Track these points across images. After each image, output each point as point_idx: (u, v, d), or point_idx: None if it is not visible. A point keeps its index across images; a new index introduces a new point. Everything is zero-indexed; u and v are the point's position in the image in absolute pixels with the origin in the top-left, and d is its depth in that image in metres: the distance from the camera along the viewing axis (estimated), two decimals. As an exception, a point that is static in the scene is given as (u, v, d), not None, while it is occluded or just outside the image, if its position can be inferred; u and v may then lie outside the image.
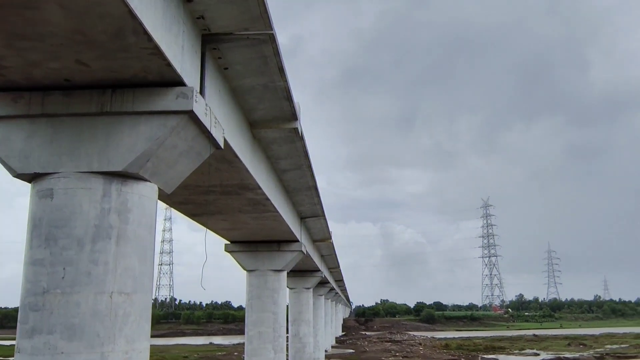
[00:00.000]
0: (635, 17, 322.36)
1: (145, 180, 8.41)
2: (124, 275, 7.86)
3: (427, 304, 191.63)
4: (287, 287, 40.80)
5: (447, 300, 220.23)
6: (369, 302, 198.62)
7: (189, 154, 9.08)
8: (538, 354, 60.78)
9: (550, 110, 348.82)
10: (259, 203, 16.99)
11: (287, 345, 40.44)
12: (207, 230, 13.52)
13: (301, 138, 14.86)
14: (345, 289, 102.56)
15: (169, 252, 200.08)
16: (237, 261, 24.99)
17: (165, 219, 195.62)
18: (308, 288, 40.93)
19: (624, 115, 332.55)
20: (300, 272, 39.74)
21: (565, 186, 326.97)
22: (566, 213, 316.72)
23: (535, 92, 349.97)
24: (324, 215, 26.70)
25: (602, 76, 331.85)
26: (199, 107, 8.37)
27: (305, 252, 26.57)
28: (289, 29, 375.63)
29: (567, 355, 57.43)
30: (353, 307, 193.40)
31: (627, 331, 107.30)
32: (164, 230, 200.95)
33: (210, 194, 15.70)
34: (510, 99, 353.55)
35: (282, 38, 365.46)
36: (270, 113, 12.97)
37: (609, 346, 71.12)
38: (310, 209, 24.75)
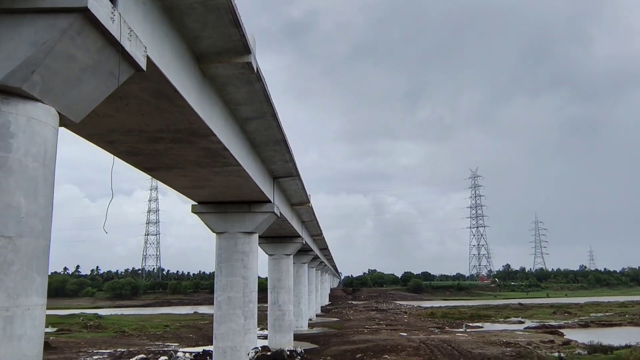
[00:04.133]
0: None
1: (35, 99, 6.79)
2: (3, 215, 6.31)
3: (415, 273, 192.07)
4: (266, 253, 39.69)
5: (436, 270, 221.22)
6: (359, 273, 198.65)
7: (97, 72, 7.45)
8: (523, 322, 60.30)
9: (553, 86, 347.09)
10: (217, 154, 15.41)
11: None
12: (114, 162, 11.78)
13: (259, 78, 13.24)
14: (331, 259, 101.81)
15: (156, 223, 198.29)
16: (205, 223, 23.51)
17: (151, 189, 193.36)
18: (288, 254, 39.66)
19: (625, 91, 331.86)
20: (279, 237, 38.43)
21: (559, 160, 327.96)
22: (557, 186, 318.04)
23: (538, 68, 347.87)
24: (298, 175, 25.19)
25: (605, 52, 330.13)
26: (100, 8, 6.71)
27: (278, 214, 25.12)
28: (304, 3, 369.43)
29: (552, 322, 56.97)
30: (342, 277, 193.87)
31: (612, 300, 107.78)
32: (150, 201, 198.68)
33: (160, 142, 14.08)
34: (514, 75, 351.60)
35: (297, 12, 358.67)
36: (218, 43, 11.31)
37: (593, 314, 70.91)
38: (282, 168, 23.22)
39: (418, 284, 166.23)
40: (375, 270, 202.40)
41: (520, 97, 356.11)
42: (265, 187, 22.46)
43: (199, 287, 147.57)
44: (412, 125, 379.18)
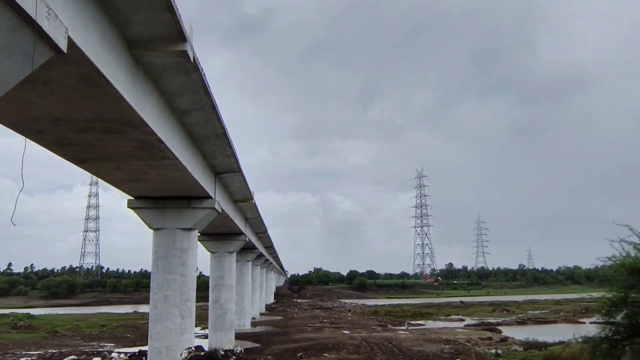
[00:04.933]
0: (586, 3, 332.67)
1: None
2: None
3: (360, 272, 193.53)
4: (208, 250, 38.91)
5: (382, 269, 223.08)
6: (306, 272, 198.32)
7: (11, 52, 6.87)
8: (463, 320, 61.55)
9: (501, 90, 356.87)
10: (152, 146, 14.82)
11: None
12: (25, 147, 11.13)
13: (196, 68, 12.77)
14: (277, 257, 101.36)
15: (95, 219, 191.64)
16: (141, 219, 22.72)
17: (91, 184, 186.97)
18: (231, 252, 38.98)
19: (569, 96, 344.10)
20: (221, 235, 37.71)
21: (504, 162, 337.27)
22: (500, 187, 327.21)
23: (487, 71, 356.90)
24: (240, 171, 24.68)
25: (551, 58, 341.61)
26: (10, -21, 6.18)
27: (220, 211, 24.57)
28: (260, 0, 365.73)
29: (491, 320, 58.33)
30: (288, 275, 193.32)
31: (548, 298, 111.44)
32: (89, 196, 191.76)
33: (90, 132, 13.40)
34: (464, 78, 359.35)
35: (252, 9, 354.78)
36: (151, 29, 10.80)
37: (530, 312, 73.14)
38: (224, 163, 22.69)
39: (363, 283, 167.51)
40: (321, 269, 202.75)
41: (469, 99, 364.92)
42: (206, 182, 21.90)
43: (140, 285, 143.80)
44: (363, 125, 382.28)
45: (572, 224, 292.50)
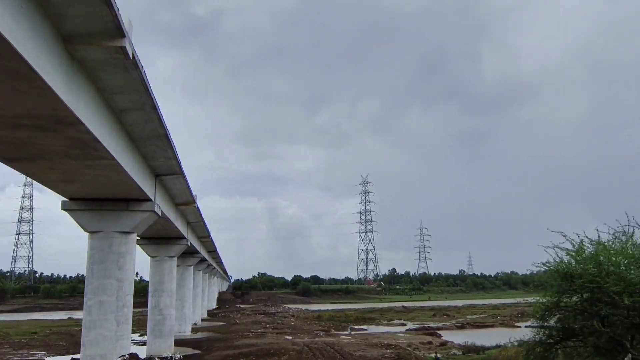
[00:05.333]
0: (526, 18, 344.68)
1: None
2: None
3: (305, 277, 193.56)
4: (148, 255, 37.95)
5: (326, 274, 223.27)
6: (250, 277, 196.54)
7: None
8: (405, 324, 62.33)
9: (445, 99, 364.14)
10: (88, 145, 14.27)
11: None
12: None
13: (136, 65, 12.37)
14: (220, 262, 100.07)
15: (29, 221, 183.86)
16: (76, 221, 21.86)
17: (25, 185, 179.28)
18: (171, 257, 38.14)
19: (508, 107, 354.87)
20: (162, 239, 36.86)
21: (447, 170, 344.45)
22: (443, 194, 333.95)
23: (432, 81, 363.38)
24: (182, 174, 24.17)
25: (492, 70, 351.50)
26: None
27: (160, 214, 23.96)
28: (210, 2, 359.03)
29: (432, 324, 59.31)
30: (232, 280, 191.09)
31: (487, 303, 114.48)
32: (23, 197, 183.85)
33: (21, 129, 12.77)
34: (409, 86, 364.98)
35: (202, 10, 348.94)
36: (88, 23, 10.38)
37: (469, 316, 74.88)
38: (165, 165, 22.15)
39: (307, 288, 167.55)
40: (265, 274, 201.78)
41: (414, 108, 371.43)
42: (145, 184, 21.31)
43: (76, 290, 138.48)
44: (310, 131, 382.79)
45: (510, 230, 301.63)
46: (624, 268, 14.63)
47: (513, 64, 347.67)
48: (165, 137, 18.06)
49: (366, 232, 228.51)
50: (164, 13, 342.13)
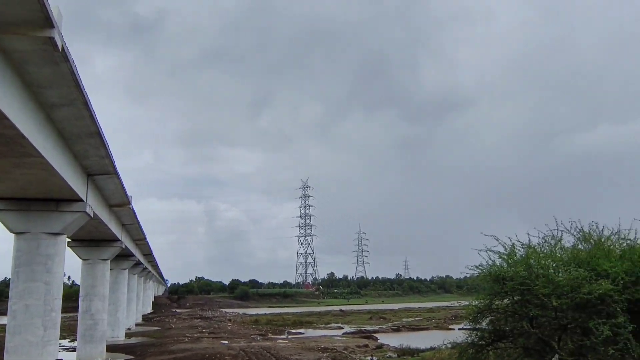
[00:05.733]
0: (465, 30, 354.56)
1: None
2: None
3: (243, 281, 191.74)
4: (80, 257, 36.57)
5: (265, 278, 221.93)
6: (188, 281, 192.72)
7: None
8: (342, 328, 62.71)
9: (385, 106, 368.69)
10: (14, 142, 13.58)
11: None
12: None
13: (66, 58, 11.85)
14: (157, 265, 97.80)
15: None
16: (1, 222, 20.81)
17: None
18: (105, 259, 36.86)
19: (447, 116, 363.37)
20: (94, 241, 35.59)
21: (386, 175, 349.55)
22: (382, 199, 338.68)
23: (374, 87, 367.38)
24: (116, 174, 23.39)
25: (431, 79, 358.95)
26: None
27: (91, 215, 23.10)
28: (153, 1, 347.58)
29: (368, 328, 59.88)
30: (169, 285, 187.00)
31: (422, 306, 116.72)
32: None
33: (-62, 123, 12.01)
34: (351, 92, 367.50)
35: (144, 10, 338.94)
36: (12, 11, 9.82)
37: (405, 319, 76.12)
38: (98, 164, 21.36)
39: (245, 292, 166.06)
40: (203, 278, 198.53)
41: (356, 113, 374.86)
42: (77, 184, 20.50)
43: (4, 295, 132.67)
44: (252, 134, 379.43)
45: (446, 236, 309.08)
46: (552, 271, 15.18)
47: (451, 74, 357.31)
48: (97, 135, 17.41)
49: (305, 236, 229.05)
50: (104, 10, 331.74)
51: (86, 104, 14.61)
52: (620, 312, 13.23)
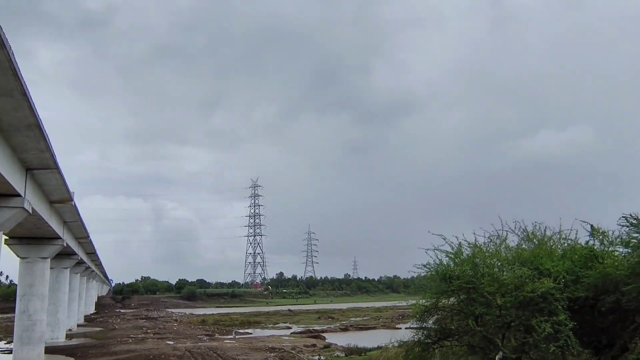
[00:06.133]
0: (416, 35, 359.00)
1: None
2: None
3: (190, 281, 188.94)
4: (17, 255, 35.16)
5: (214, 278, 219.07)
6: (133, 280, 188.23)
7: None
8: (290, 327, 62.56)
9: (338, 108, 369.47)
10: (-56, 132, 12.84)
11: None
12: None
13: (2, 45, 11.28)
14: (100, 264, 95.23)
15: None
16: None
17: None
18: (44, 258, 35.55)
19: (399, 119, 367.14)
20: (34, 239, 34.28)
21: (337, 177, 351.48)
22: (332, 201, 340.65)
23: (326, 90, 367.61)
24: (57, 168, 22.52)
25: (383, 83, 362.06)
26: None
27: (30, 211, 22.17)
28: None
29: (317, 327, 59.94)
30: (113, 284, 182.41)
31: (370, 306, 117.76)
32: None
33: None
34: (304, 94, 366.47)
35: (94, 4, 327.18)
36: (-56, -8, 9.31)
37: (353, 319, 76.61)
38: (37, 158, 20.52)
39: (192, 292, 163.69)
40: (149, 277, 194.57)
41: (309, 115, 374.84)
42: (14, 178, 19.62)
43: None
44: (202, 133, 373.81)
45: (394, 237, 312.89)
46: (497, 270, 15.47)
47: (403, 79, 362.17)
48: (37, 127, 16.70)
49: (255, 236, 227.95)
50: (52, 4, 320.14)
51: (25, 94, 13.97)
52: (562, 310, 13.56)
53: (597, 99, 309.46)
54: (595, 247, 15.65)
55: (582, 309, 14.56)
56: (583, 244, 16.01)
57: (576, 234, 16.31)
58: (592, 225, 15.69)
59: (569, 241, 16.35)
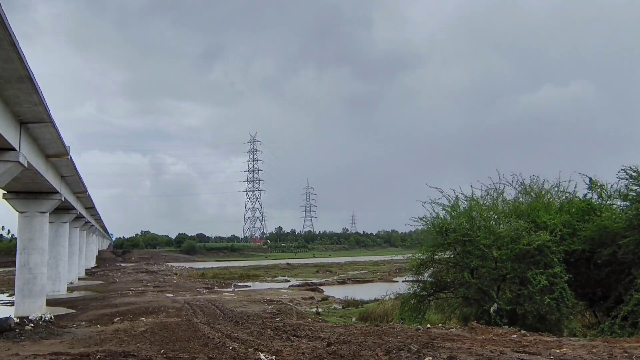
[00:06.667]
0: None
1: None
2: None
3: (190, 235, 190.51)
4: (16, 210, 35.18)
5: (213, 232, 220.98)
6: (133, 235, 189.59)
7: None
8: (289, 281, 63.34)
9: (338, 62, 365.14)
10: None
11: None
12: None
13: (-12, -8, 10.91)
14: (100, 219, 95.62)
15: None
16: None
17: None
18: (43, 212, 35.55)
19: (399, 73, 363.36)
20: (32, 193, 34.22)
21: (337, 132, 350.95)
22: (331, 156, 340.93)
23: (326, 44, 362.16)
24: (51, 122, 22.20)
25: (383, 36, 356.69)
26: None
27: (25, 165, 21.99)
28: None
29: (314, 280, 60.70)
30: (113, 239, 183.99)
31: (368, 259, 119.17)
32: None
33: None
34: (304, 48, 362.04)
35: None
36: None
37: (351, 272, 77.55)
38: (31, 111, 20.20)
39: (192, 246, 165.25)
40: (149, 232, 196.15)
41: (308, 69, 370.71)
42: (8, 132, 19.37)
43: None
44: (201, 87, 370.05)
45: (392, 192, 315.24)
46: (494, 223, 15.50)
47: (403, 33, 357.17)
48: (28, 79, 16.34)
49: (253, 191, 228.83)
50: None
51: (14, 45, 13.59)
52: (557, 263, 13.66)
53: (599, 54, 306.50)
54: (593, 200, 15.64)
55: (578, 261, 14.67)
56: (581, 197, 16.01)
57: (575, 187, 16.32)
58: (590, 178, 15.66)
59: (567, 194, 16.35)
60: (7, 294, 44.96)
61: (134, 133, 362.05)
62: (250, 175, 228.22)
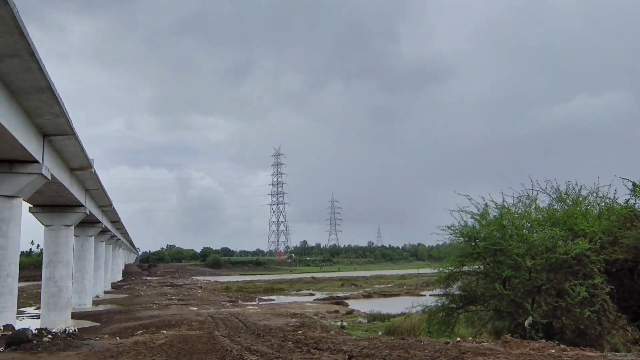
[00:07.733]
0: (445, 0, 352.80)
1: None
2: None
3: (215, 249, 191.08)
4: (42, 223, 35.36)
5: (238, 247, 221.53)
6: (159, 249, 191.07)
7: None
8: (313, 294, 62.71)
9: (364, 76, 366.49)
10: (-48, 93, 12.44)
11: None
12: None
13: (5, 2, 10.73)
14: (126, 233, 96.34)
15: None
16: (-50, 183, 19.60)
17: None
18: (68, 225, 35.65)
19: (426, 86, 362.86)
20: (57, 206, 34.36)
21: (362, 146, 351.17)
22: (356, 169, 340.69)
23: (352, 58, 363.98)
24: (74, 134, 22.15)
25: (410, 49, 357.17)
26: None
27: (49, 177, 21.96)
28: None
29: (340, 294, 59.97)
30: (140, 253, 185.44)
31: (394, 273, 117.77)
32: None
33: None
34: (330, 62, 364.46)
35: None
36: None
37: (377, 286, 76.53)
38: (53, 123, 20.14)
39: (217, 260, 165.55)
40: (174, 246, 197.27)
41: (334, 83, 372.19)
42: (31, 144, 19.32)
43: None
44: (226, 102, 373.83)
45: (418, 205, 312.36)
46: (526, 231, 14.78)
47: (430, 45, 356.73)
48: (49, 90, 16.23)
49: (278, 204, 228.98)
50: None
51: (33, 55, 13.47)
52: (598, 273, 12.89)
53: (633, 62, 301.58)
54: (637, 206, 14.76)
55: (620, 272, 13.84)
56: (622, 203, 15.16)
57: (614, 192, 15.46)
58: (634, 183, 14.72)
59: (607, 200, 15.51)
60: (34, 307, 45.21)
61: (161, 148, 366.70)
62: (275, 189, 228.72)
